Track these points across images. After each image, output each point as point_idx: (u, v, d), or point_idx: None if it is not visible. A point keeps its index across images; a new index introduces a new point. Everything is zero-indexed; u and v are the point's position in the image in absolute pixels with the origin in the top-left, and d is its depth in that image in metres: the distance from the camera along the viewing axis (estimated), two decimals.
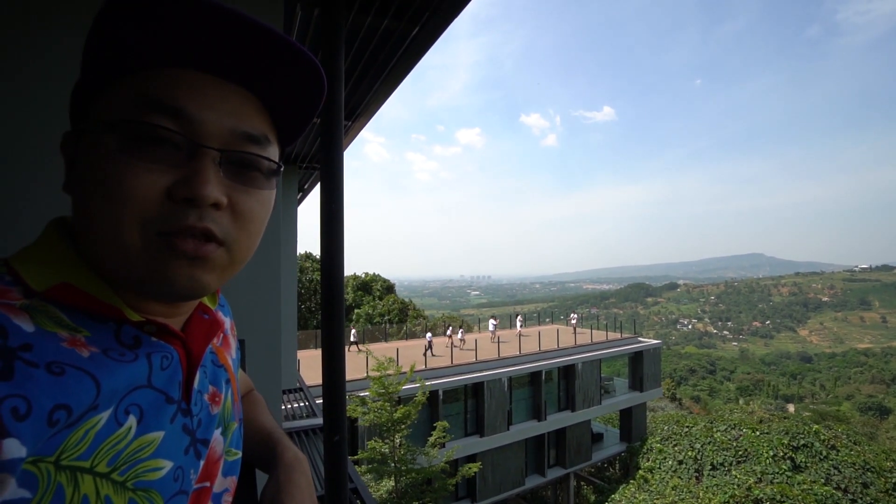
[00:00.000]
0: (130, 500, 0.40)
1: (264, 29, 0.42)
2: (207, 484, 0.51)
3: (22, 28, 1.35)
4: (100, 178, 0.40)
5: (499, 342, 19.07)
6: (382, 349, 17.47)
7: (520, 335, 21.58)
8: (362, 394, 12.48)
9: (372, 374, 12.11)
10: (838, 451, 15.91)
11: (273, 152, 0.49)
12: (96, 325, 0.42)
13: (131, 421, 0.41)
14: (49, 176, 1.38)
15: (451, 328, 20.13)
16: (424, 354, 16.85)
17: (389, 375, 11.91)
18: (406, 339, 22.88)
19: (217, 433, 0.54)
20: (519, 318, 23.54)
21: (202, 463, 0.50)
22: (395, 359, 12.74)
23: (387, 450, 11.61)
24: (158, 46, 0.42)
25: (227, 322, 0.64)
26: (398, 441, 11.71)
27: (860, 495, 14.54)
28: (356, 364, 14.67)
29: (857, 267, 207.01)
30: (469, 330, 27.18)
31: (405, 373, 12.32)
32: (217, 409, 0.54)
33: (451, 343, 18.43)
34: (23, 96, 1.33)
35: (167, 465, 0.44)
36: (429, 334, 18.46)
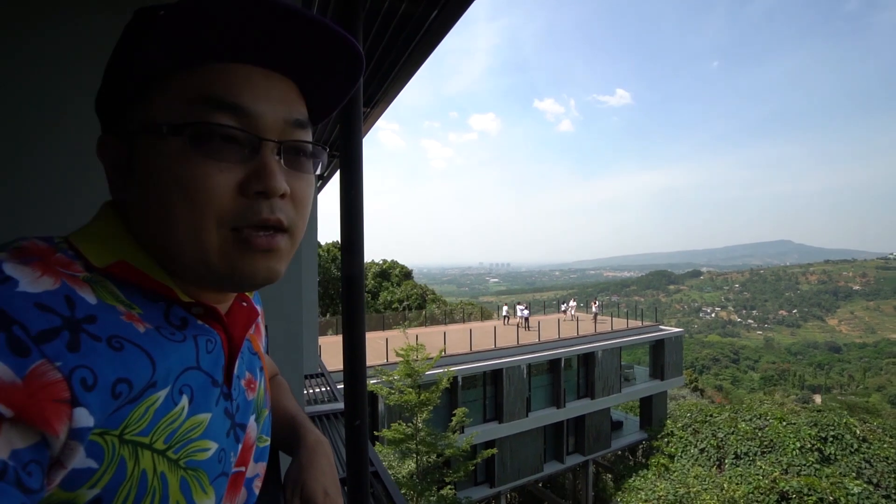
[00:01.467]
0: (182, 478, 0.42)
1: (308, 18, 0.43)
2: (243, 469, 0.53)
3: (23, 24, 1.37)
4: (173, 180, 0.41)
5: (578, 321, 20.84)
6: (401, 336, 17.64)
7: (595, 318, 22.49)
8: (375, 381, 12.68)
9: (398, 357, 12.41)
10: (871, 444, 15.50)
11: (310, 135, 0.50)
12: (148, 303, 0.43)
13: (184, 401, 0.43)
14: (45, 176, 1.41)
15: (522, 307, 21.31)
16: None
17: (416, 360, 12.16)
18: (426, 325, 23.01)
19: (252, 419, 0.56)
20: (595, 304, 23.86)
21: (240, 447, 0.52)
22: (415, 343, 12.88)
23: (410, 431, 11.83)
24: (204, 43, 0.42)
25: (260, 310, 0.66)
26: (420, 424, 11.92)
27: (894, 490, 14.15)
28: (377, 350, 14.89)
29: (891, 254, 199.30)
30: (489, 316, 27.21)
31: (431, 357, 12.56)
32: (252, 396, 0.56)
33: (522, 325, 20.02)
34: (22, 96, 1.35)
35: (213, 446, 0.46)
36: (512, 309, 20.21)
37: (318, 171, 0.51)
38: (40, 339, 0.32)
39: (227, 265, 0.43)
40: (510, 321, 21.73)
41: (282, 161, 0.45)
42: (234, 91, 0.43)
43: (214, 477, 0.45)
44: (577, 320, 21.61)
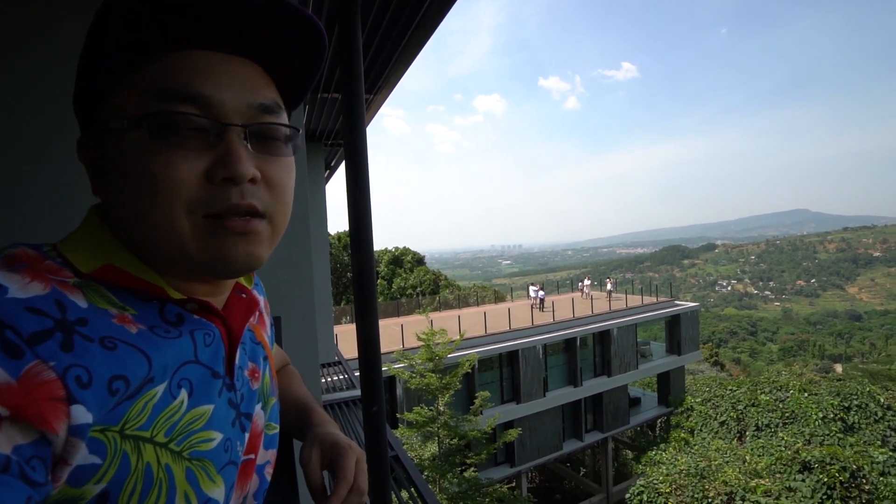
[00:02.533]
0: (187, 469, 0.43)
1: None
2: (252, 456, 0.55)
3: (23, 24, 1.37)
4: (138, 174, 0.41)
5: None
6: (416, 321, 17.76)
7: (610, 295, 22.69)
8: (398, 366, 12.82)
9: (418, 342, 12.64)
10: (895, 411, 15.34)
11: (285, 118, 0.50)
12: (141, 303, 0.44)
13: (183, 395, 0.44)
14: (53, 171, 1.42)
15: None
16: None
17: (438, 343, 12.34)
18: (440, 310, 23.14)
19: (258, 408, 0.56)
20: (609, 283, 23.82)
21: (247, 436, 0.53)
22: (430, 329, 13.00)
23: (431, 415, 12.02)
24: (160, 34, 0.42)
25: (262, 300, 0.66)
26: (442, 407, 12.10)
27: None
28: (393, 335, 15.03)
29: None
30: (502, 299, 27.25)
31: (453, 341, 12.73)
32: (257, 385, 0.57)
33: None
34: (22, 94, 1.36)
35: (218, 436, 0.47)
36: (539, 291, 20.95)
37: (293, 155, 0.50)
38: (33, 341, 0.33)
39: (204, 252, 0.43)
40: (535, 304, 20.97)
41: (249, 146, 0.44)
42: (193, 79, 0.42)
43: (222, 466, 0.47)
44: (592, 299, 21.57)
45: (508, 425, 15.46)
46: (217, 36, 0.44)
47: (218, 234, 0.43)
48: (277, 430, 0.62)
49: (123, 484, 0.38)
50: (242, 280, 0.57)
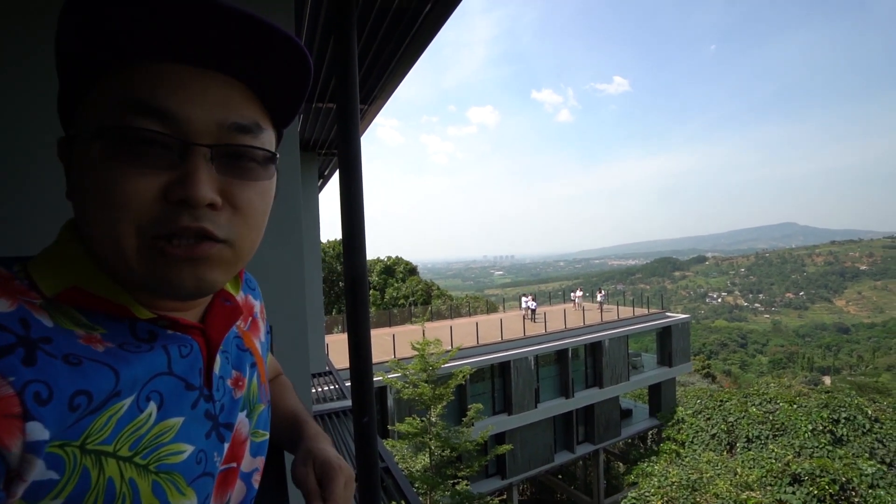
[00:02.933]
0: (154, 482, 0.42)
1: (239, 13, 0.40)
2: (234, 465, 0.53)
3: (22, 23, 1.37)
4: (93, 185, 0.40)
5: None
6: (408, 332, 17.69)
7: (601, 306, 22.75)
8: (392, 375, 12.73)
9: (413, 352, 12.54)
10: (882, 424, 15.46)
11: (267, 138, 0.47)
12: (111, 322, 0.43)
13: (152, 407, 0.42)
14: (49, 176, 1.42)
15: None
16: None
17: (431, 354, 12.26)
18: (432, 320, 23.05)
19: (242, 416, 0.55)
20: (600, 294, 23.88)
21: (226, 445, 0.51)
22: (422, 340, 12.93)
23: (423, 426, 11.92)
24: (132, 41, 0.40)
25: (257, 305, 0.65)
26: (434, 418, 12.00)
27: None
28: (383, 347, 14.94)
29: None
30: (494, 309, 27.23)
31: (448, 351, 12.69)
32: (241, 393, 0.56)
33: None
34: (23, 92, 1.35)
35: (188, 448, 0.45)
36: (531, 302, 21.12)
37: (270, 178, 0.48)
38: None
39: (150, 274, 0.41)
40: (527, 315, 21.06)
41: (214, 168, 0.42)
42: (160, 93, 0.40)
43: (193, 478, 0.46)
44: (584, 310, 21.62)
45: (500, 436, 15.36)
46: (193, 50, 0.41)
47: (164, 257, 0.41)
48: (266, 437, 0.60)
49: (83, 499, 0.37)
50: (227, 286, 0.56)
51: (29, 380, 0.34)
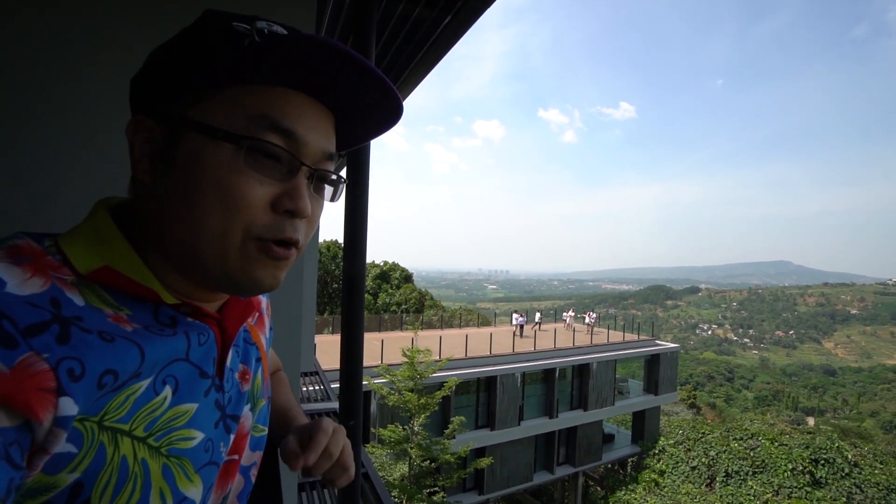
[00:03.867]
0: (164, 466, 0.43)
1: (367, 68, 0.46)
2: (236, 457, 0.55)
3: (22, 21, 1.37)
4: (217, 182, 0.43)
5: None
6: (398, 338, 17.60)
7: (591, 329, 22.88)
8: (379, 381, 12.64)
9: (403, 358, 12.49)
10: (861, 469, 15.45)
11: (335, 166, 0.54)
12: (136, 304, 0.45)
13: (167, 391, 0.44)
14: (47, 169, 1.41)
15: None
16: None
17: (421, 363, 12.23)
18: (422, 329, 22.96)
19: (246, 409, 0.57)
20: (590, 316, 24.16)
21: (232, 437, 0.53)
22: (412, 348, 12.88)
23: (405, 434, 11.83)
24: (270, 67, 0.45)
25: (264, 302, 0.69)
26: (416, 428, 11.92)
27: None
28: (372, 352, 14.86)
29: (890, 280, 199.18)
30: (487, 323, 27.19)
31: (438, 361, 12.67)
32: (247, 387, 0.58)
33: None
34: (22, 88, 1.35)
35: (199, 435, 0.47)
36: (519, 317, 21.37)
37: (331, 199, 0.55)
38: (28, 332, 0.34)
39: (241, 270, 0.45)
40: (526, 329, 21.62)
41: (311, 187, 0.49)
42: (291, 117, 0.46)
43: (201, 466, 0.47)
44: (574, 331, 21.62)
45: (481, 451, 15.23)
46: (313, 83, 0.47)
47: (260, 258, 0.45)
48: (265, 433, 0.62)
49: (98, 475, 0.38)
50: None
51: (63, 356, 0.35)
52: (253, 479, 0.60)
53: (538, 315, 23.43)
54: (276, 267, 0.47)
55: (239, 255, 0.44)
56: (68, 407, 0.35)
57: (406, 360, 12.21)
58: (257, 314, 0.65)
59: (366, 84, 0.48)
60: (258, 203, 0.44)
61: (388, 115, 0.54)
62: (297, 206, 0.46)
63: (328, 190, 0.53)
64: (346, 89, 0.48)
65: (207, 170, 0.43)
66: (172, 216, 0.45)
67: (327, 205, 0.55)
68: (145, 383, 0.42)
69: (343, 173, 0.57)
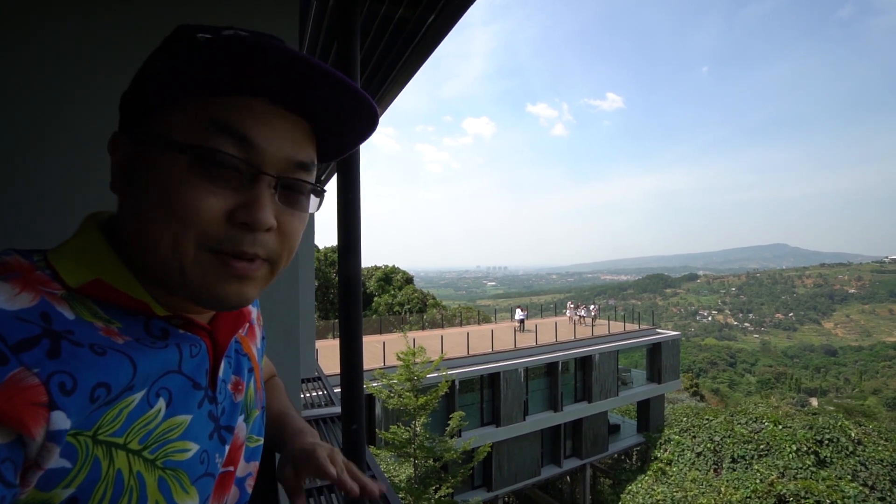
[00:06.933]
0: (160, 478, 0.43)
1: (336, 78, 0.45)
2: (231, 468, 0.55)
3: (15, 22, 1.37)
4: (165, 194, 0.42)
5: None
6: (401, 339, 17.56)
7: (593, 320, 22.86)
8: (376, 384, 12.63)
9: (398, 361, 12.40)
10: (865, 446, 15.53)
11: (315, 175, 0.52)
12: (127, 317, 0.45)
13: (161, 404, 0.44)
14: (45, 173, 1.41)
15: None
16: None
17: (416, 363, 12.15)
18: (424, 328, 22.97)
19: (240, 420, 0.57)
20: (594, 308, 24.04)
21: (227, 448, 0.53)
22: (413, 347, 12.85)
23: (407, 436, 11.80)
24: (237, 79, 0.44)
25: (255, 312, 0.68)
26: (418, 428, 11.90)
27: (888, 493, 14.17)
28: (374, 353, 14.84)
29: (886, 258, 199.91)
30: (487, 320, 27.20)
31: (432, 361, 12.56)
32: (240, 398, 0.57)
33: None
34: (21, 93, 1.35)
35: (194, 447, 0.47)
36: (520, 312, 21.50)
37: (312, 210, 0.52)
38: (18, 348, 0.34)
39: (200, 285, 0.44)
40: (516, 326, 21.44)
41: (276, 196, 0.46)
42: (247, 123, 0.44)
43: (196, 477, 0.47)
44: (575, 324, 21.64)
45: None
46: (283, 94, 0.46)
47: (218, 270, 0.44)
48: (261, 443, 0.62)
49: (93, 490, 0.38)
50: None
51: (54, 371, 0.35)
52: (249, 491, 0.59)
53: (593, 308, 23.26)
54: (242, 283, 0.45)
55: (196, 269, 0.43)
56: (60, 421, 0.35)
57: (401, 363, 12.11)
58: (247, 325, 0.64)
59: (333, 88, 0.47)
60: (211, 214, 0.42)
61: (364, 119, 0.52)
62: (252, 217, 0.43)
63: (309, 200, 0.51)
64: (316, 96, 0.47)
65: (159, 181, 0.43)
66: (135, 230, 0.45)
67: (323, 209, 0.54)
68: (138, 396, 0.41)
69: (333, 181, 0.56)
